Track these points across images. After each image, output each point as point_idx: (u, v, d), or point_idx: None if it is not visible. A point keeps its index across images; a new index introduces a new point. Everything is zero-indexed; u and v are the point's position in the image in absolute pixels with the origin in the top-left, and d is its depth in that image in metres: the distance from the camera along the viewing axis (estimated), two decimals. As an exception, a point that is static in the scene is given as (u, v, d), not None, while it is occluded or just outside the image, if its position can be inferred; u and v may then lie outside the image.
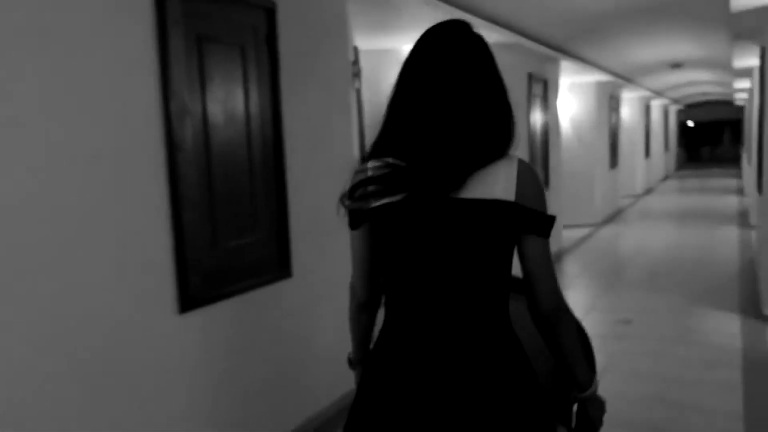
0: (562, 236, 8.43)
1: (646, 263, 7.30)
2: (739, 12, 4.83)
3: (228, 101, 2.66)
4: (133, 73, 2.24)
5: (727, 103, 21.01)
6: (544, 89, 7.50)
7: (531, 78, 6.93)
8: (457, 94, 1.21)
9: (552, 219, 1.23)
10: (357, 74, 4.34)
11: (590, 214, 10.22)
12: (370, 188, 1.24)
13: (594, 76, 9.85)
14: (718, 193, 14.79)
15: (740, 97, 16.40)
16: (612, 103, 11.50)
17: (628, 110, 13.91)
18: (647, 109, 15.85)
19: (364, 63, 4.89)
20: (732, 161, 24.91)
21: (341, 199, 1.30)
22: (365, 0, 3.94)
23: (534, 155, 7.11)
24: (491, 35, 5.31)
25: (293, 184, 3.04)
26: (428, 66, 1.23)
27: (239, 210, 2.75)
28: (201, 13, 2.50)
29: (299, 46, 3.11)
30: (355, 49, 4.35)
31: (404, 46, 5.53)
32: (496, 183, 1.19)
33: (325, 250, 3.29)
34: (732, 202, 12.76)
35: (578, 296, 5.92)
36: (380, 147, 1.27)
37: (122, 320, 2.20)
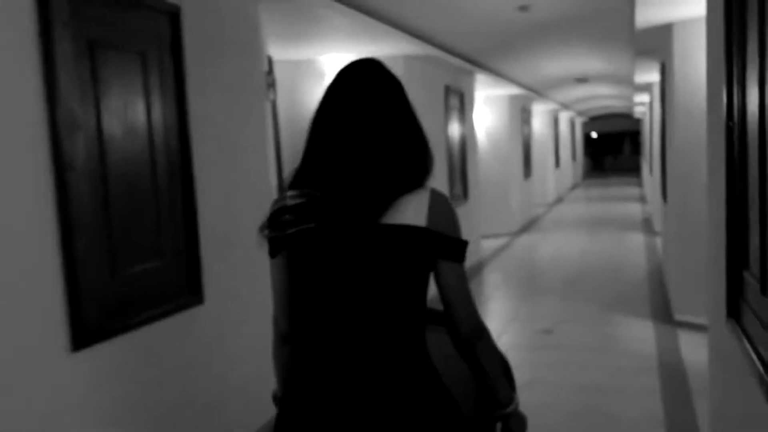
0: (481, 246, 8.55)
1: (561, 271, 7.51)
2: (643, 30, 5.05)
3: (127, 113, 2.42)
4: (12, 81, 1.97)
5: (627, 116, 22.32)
6: (460, 101, 7.60)
7: (448, 90, 7.00)
8: (370, 128, 1.27)
9: (465, 243, 1.28)
10: (272, 85, 4.16)
11: (507, 223, 10.48)
12: (287, 217, 1.27)
13: (507, 89, 10.13)
14: (622, 201, 15.62)
15: (639, 110, 17.43)
16: (524, 115, 11.89)
17: (539, 122, 14.45)
18: (556, 121, 16.55)
19: (279, 74, 4.72)
20: (632, 170, 26.51)
21: (260, 228, 1.32)
22: (280, 9, 3.78)
23: (452, 167, 7.15)
24: (410, 47, 5.28)
25: (204, 201, 2.82)
26: (343, 102, 1.30)
27: (142, 232, 2.50)
28: (93, 15, 2.25)
29: (207, 53, 2.91)
30: (270, 59, 4.18)
31: (321, 56, 5.39)
32: (407, 211, 1.24)
33: (241, 271, 3.08)
34: (636, 209, 13.48)
35: (499, 307, 5.97)
36: (300, 178, 1.31)
37: (3, 364, 1.91)
